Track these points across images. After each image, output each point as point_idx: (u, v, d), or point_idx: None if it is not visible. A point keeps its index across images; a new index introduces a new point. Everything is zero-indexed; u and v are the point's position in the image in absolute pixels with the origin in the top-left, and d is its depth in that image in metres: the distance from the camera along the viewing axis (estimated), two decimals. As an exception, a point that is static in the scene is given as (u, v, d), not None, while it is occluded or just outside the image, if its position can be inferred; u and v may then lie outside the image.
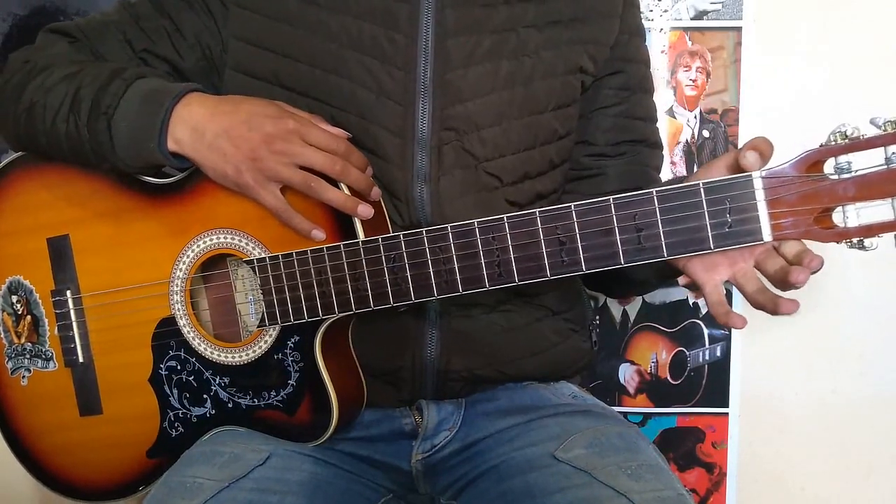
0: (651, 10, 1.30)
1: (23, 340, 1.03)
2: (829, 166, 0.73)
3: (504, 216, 0.81)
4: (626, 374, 1.40)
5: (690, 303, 1.38)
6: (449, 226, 0.82)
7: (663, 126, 1.32)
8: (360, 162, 0.88)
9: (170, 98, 0.88)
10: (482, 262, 0.82)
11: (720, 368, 1.39)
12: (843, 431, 1.40)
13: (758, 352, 1.38)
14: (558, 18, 0.98)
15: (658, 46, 1.32)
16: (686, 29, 1.32)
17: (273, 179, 0.86)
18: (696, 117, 1.35)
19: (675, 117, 1.35)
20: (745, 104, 1.34)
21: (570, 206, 0.79)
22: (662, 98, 1.30)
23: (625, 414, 1.35)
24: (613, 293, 1.25)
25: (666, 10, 1.31)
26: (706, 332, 1.38)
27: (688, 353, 1.39)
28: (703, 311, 1.38)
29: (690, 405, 1.40)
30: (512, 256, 0.81)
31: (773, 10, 1.31)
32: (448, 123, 0.94)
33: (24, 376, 1.04)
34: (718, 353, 1.39)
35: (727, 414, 1.39)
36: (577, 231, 0.79)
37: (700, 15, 1.31)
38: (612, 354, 1.40)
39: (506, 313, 0.99)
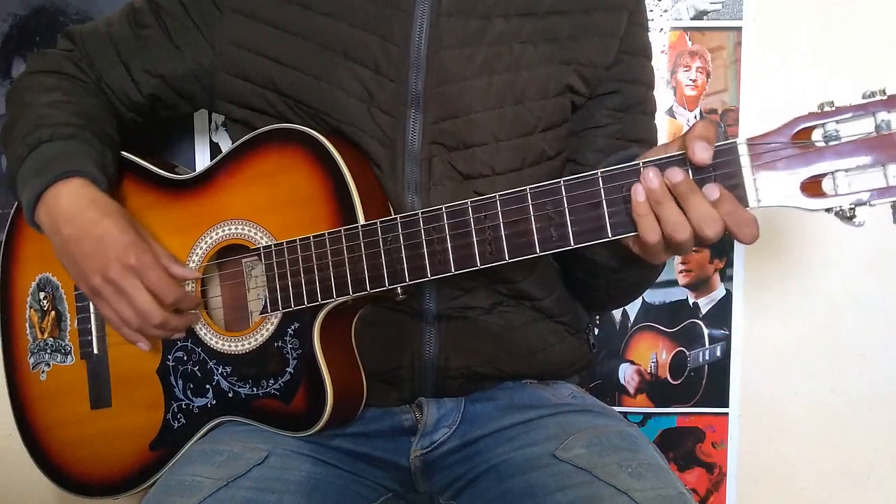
0: (651, 10, 1.30)
1: (45, 336, 1.06)
2: (817, 135, 0.73)
3: (496, 194, 0.82)
4: (626, 374, 1.40)
5: (690, 303, 1.38)
6: (443, 206, 0.84)
7: (663, 126, 1.32)
8: (190, 305, 0.95)
9: (45, 180, 0.92)
10: (474, 240, 0.83)
11: (720, 368, 1.38)
12: (843, 431, 1.40)
13: (758, 352, 1.38)
14: (555, 36, 0.97)
15: (658, 46, 1.32)
16: (686, 29, 1.32)
17: (102, 302, 0.93)
18: (696, 117, 1.35)
19: (675, 117, 1.35)
20: (745, 104, 1.34)
21: (560, 181, 0.80)
22: (662, 98, 1.30)
23: (625, 414, 1.35)
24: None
25: (666, 10, 1.31)
26: (706, 332, 1.38)
27: (688, 353, 1.39)
28: (703, 311, 1.38)
29: (690, 405, 1.40)
30: (503, 234, 0.82)
31: (773, 10, 1.31)
32: (437, 138, 0.94)
33: (43, 371, 1.06)
34: (718, 353, 1.38)
35: (727, 414, 1.39)
36: (566, 206, 0.80)
37: (700, 15, 1.31)
38: (612, 354, 1.39)
39: (502, 314, 1.00)
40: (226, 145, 1.32)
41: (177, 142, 1.34)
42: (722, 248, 1.36)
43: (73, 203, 0.91)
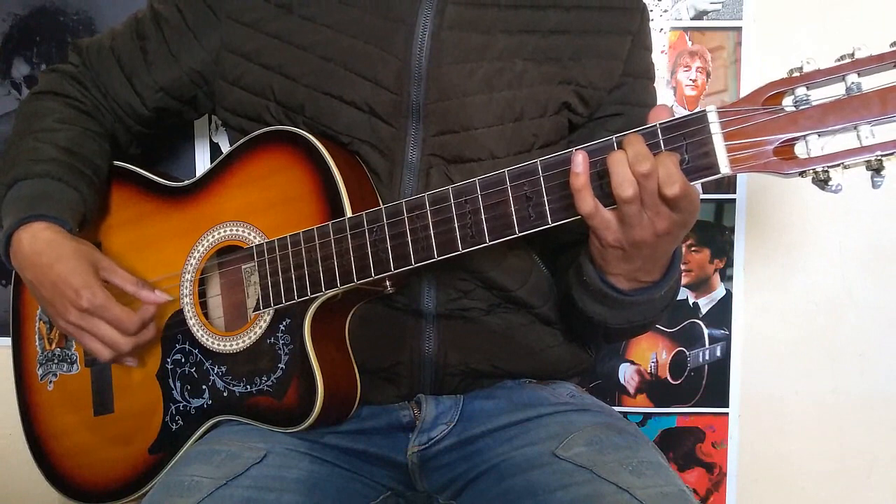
0: (651, 10, 1.30)
1: (53, 346, 1.08)
2: (787, 101, 0.72)
3: (476, 179, 0.84)
4: (626, 374, 1.40)
5: (690, 303, 1.38)
6: (426, 194, 0.86)
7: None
8: (152, 318, 0.97)
9: (11, 223, 0.94)
10: (456, 225, 0.84)
11: (720, 368, 1.38)
12: (843, 431, 1.40)
13: (758, 352, 1.38)
14: (557, 56, 0.97)
15: (658, 46, 1.32)
16: (686, 29, 1.32)
17: (74, 338, 0.98)
18: (696, 117, 1.35)
19: (675, 117, 1.35)
20: (744, 104, 1.34)
21: (536, 161, 0.81)
22: (662, 98, 1.30)
23: (625, 414, 1.35)
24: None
25: (666, 10, 1.32)
26: (706, 332, 1.38)
27: (688, 353, 1.39)
28: (703, 311, 1.38)
29: (690, 405, 1.40)
30: (483, 217, 0.83)
31: (773, 10, 1.31)
32: (437, 150, 0.94)
33: (50, 381, 1.08)
34: (718, 353, 1.38)
35: (727, 414, 1.39)
36: (542, 185, 0.81)
37: (700, 15, 1.32)
38: (612, 354, 1.40)
39: (501, 314, 1.00)
40: (226, 146, 1.32)
41: (177, 142, 1.34)
42: (722, 248, 1.36)
43: (33, 248, 0.93)
